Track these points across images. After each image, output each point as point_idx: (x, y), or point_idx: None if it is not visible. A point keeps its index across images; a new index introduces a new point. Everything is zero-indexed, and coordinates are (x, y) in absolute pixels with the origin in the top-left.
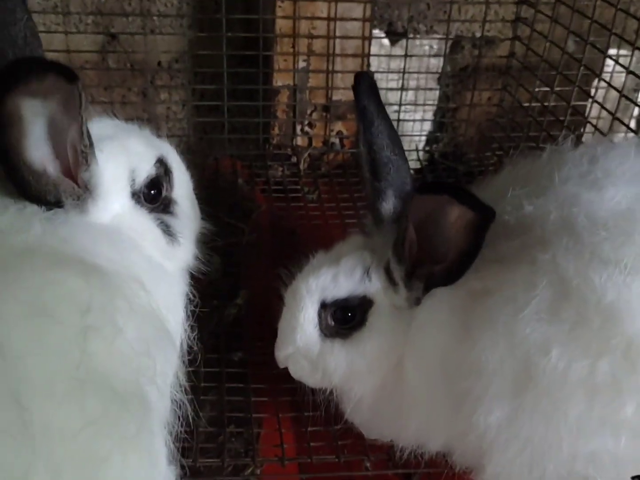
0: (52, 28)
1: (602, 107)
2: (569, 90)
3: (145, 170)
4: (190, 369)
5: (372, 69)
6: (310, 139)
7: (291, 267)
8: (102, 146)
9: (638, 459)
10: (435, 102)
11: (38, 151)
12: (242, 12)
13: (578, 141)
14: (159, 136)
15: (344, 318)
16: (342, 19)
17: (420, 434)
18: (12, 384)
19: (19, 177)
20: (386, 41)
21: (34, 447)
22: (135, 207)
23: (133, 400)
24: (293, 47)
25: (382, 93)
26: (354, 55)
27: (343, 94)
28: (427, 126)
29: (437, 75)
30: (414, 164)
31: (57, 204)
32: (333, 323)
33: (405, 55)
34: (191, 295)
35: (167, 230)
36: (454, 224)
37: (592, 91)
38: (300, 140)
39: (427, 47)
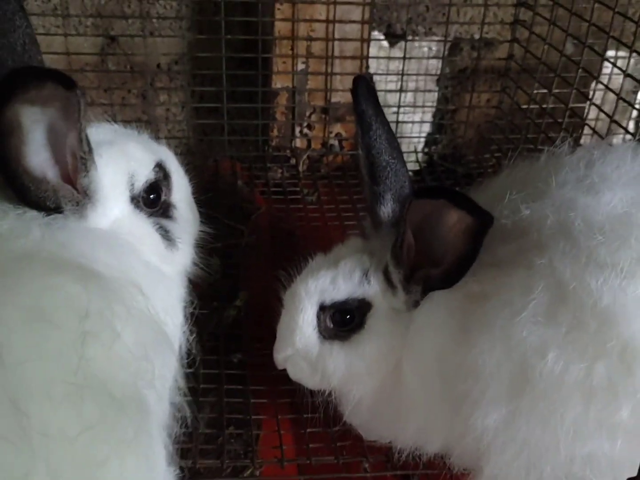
0: (51, 30)
1: (600, 109)
2: (567, 92)
3: (144, 175)
4: (189, 370)
5: (371, 71)
6: (309, 141)
7: (290, 269)
8: (101, 152)
9: (634, 461)
10: (434, 104)
11: (37, 158)
12: (241, 14)
13: (576, 143)
14: (157, 140)
15: (343, 320)
16: (340, 22)
17: (418, 436)
18: (10, 389)
19: (18, 184)
20: (385, 43)
21: (32, 451)
22: (134, 212)
23: (131, 404)
24: (292, 49)
25: (381, 95)
26: (353, 58)
27: (342, 96)
28: (426, 128)
29: (436, 77)
30: (412, 166)
31: (57, 209)
32: (332, 325)
33: (404, 57)
34: (190, 298)
35: (166, 235)
36: (451, 228)
37: (590, 93)
38: (299, 142)
39: (426, 49)
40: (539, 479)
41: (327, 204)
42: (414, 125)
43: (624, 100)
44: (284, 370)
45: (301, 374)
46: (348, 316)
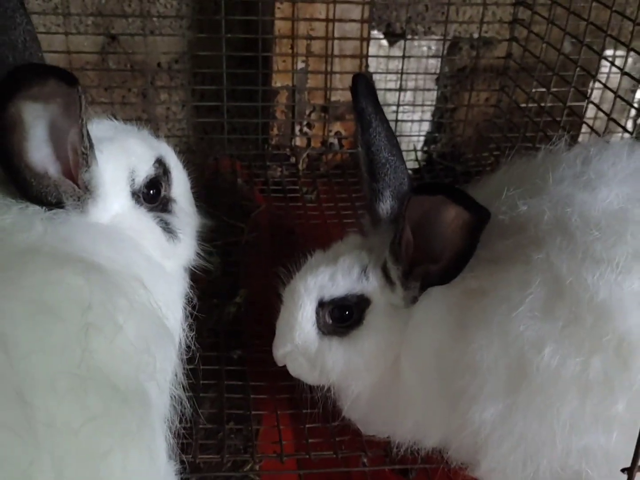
0: (52, 29)
1: (598, 108)
2: (565, 91)
3: (145, 170)
4: (189, 366)
5: (371, 69)
6: (308, 140)
7: (289, 266)
8: (102, 147)
9: (629, 454)
10: (433, 103)
11: (39, 153)
12: (242, 13)
13: (574, 141)
14: (157, 137)
15: (342, 316)
16: (340, 20)
17: (416, 431)
18: (16, 381)
19: (20, 179)
20: (384, 42)
21: (37, 443)
22: (135, 207)
23: (134, 396)
24: (292, 48)
25: (380, 94)
26: (353, 56)
27: (342, 95)
28: (425, 126)
29: (435, 76)
30: (412, 164)
31: (58, 204)
32: (331, 321)
33: (404, 56)
34: (191, 294)
35: (167, 228)
36: (449, 224)
37: (589, 92)
38: (299, 141)
39: (425, 48)
40: (535, 472)
41: (326, 202)
42: (413, 124)
43: (622, 99)
44: (284, 366)
45: (300, 369)
46: (347, 312)
